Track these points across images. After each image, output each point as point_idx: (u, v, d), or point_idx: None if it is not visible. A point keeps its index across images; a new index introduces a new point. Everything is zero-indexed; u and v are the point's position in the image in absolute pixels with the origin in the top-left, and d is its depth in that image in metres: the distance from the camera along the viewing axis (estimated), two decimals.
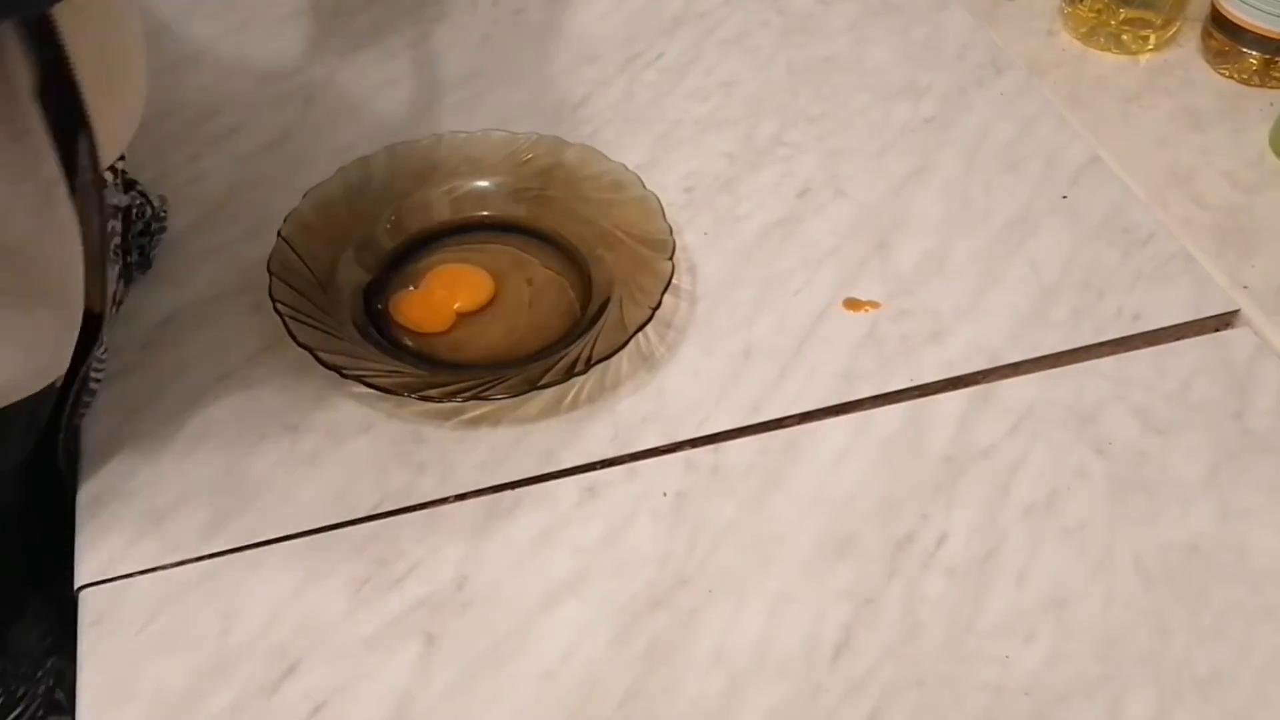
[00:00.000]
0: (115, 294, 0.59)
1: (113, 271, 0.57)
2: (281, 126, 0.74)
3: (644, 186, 0.65)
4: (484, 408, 0.58)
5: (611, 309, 0.60)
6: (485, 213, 0.67)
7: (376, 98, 0.77)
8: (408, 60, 0.80)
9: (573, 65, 0.79)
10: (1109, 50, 0.81)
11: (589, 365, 0.56)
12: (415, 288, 0.63)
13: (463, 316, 0.62)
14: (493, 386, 0.56)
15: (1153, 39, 0.81)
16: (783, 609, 0.51)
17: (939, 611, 0.51)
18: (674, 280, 0.61)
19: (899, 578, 0.52)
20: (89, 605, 0.51)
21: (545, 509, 0.54)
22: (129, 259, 0.62)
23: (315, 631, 0.50)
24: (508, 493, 0.55)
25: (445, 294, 0.62)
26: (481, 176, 0.67)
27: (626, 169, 0.66)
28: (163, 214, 0.65)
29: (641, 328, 0.58)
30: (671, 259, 0.61)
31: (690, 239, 0.66)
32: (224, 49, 0.78)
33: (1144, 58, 0.81)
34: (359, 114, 0.75)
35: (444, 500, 0.55)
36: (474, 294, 0.62)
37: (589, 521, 0.54)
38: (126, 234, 0.61)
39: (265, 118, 0.75)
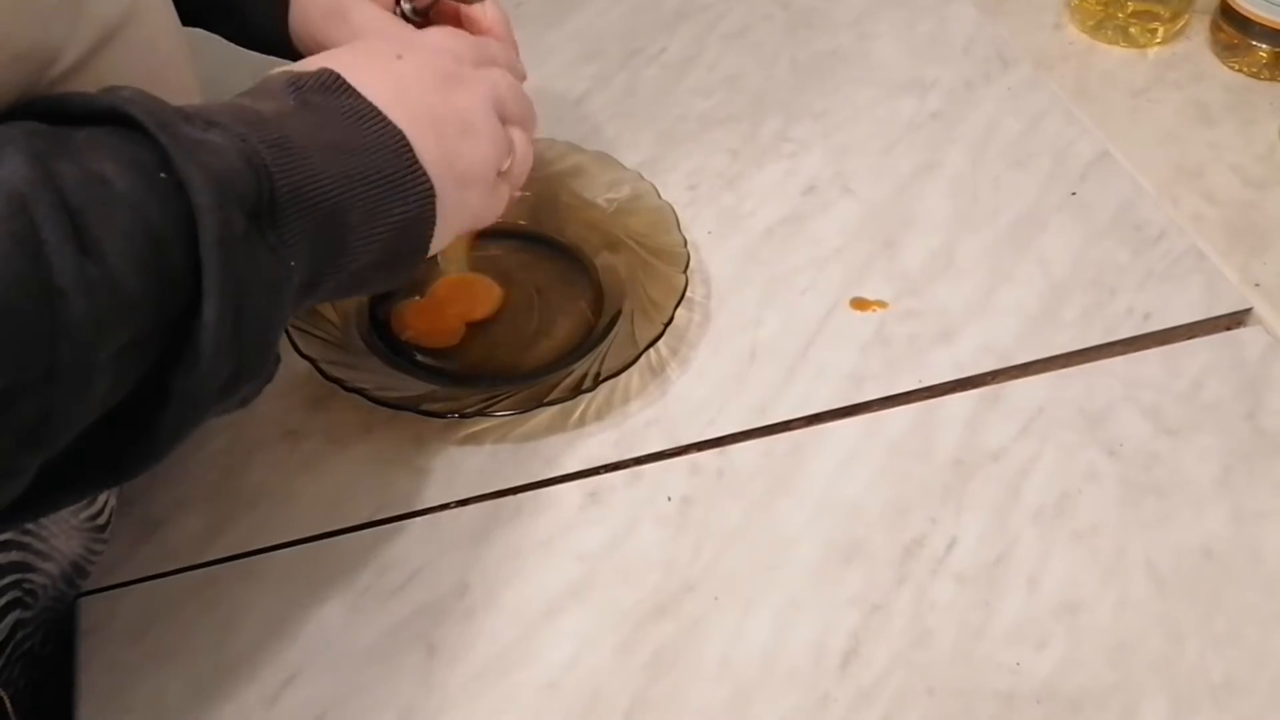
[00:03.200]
0: None
1: None
2: None
3: (659, 196, 0.64)
4: (488, 422, 0.57)
5: (622, 324, 0.59)
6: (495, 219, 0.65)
7: None
8: None
9: (573, 61, 0.78)
10: (1117, 43, 0.80)
11: (597, 382, 0.55)
12: (421, 296, 0.61)
13: (471, 326, 0.60)
14: (498, 403, 0.55)
15: (1161, 32, 0.80)
16: (790, 616, 0.50)
17: (949, 618, 0.50)
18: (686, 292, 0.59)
19: (908, 583, 0.51)
20: (86, 614, 0.50)
21: (548, 515, 0.54)
22: None
23: (314, 641, 0.49)
24: (510, 498, 0.54)
25: (453, 306, 0.61)
26: None
27: (642, 177, 0.65)
28: None
29: (652, 344, 0.57)
30: (686, 272, 0.59)
31: (694, 237, 0.65)
32: (224, 54, 0.77)
33: (1152, 51, 0.80)
34: None
35: (445, 506, 0.54)
36: (482, 304, 0.61)
37: (592, 527, 0.53)
38: None
39: None
